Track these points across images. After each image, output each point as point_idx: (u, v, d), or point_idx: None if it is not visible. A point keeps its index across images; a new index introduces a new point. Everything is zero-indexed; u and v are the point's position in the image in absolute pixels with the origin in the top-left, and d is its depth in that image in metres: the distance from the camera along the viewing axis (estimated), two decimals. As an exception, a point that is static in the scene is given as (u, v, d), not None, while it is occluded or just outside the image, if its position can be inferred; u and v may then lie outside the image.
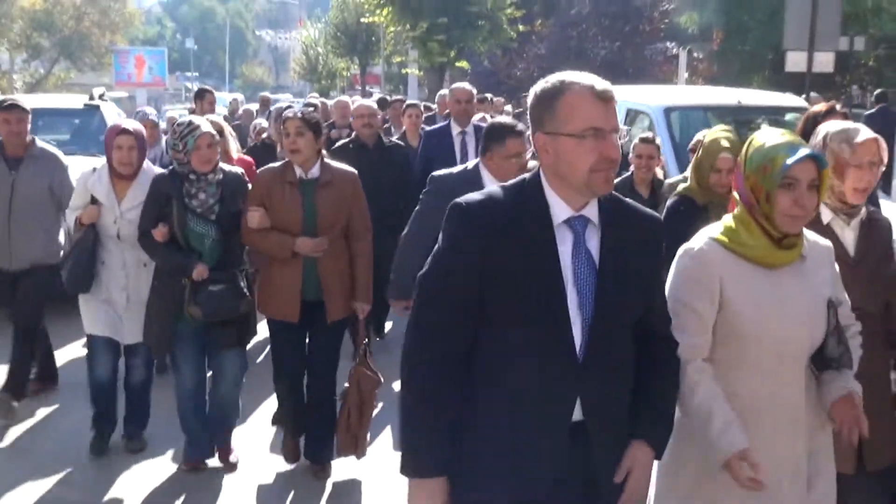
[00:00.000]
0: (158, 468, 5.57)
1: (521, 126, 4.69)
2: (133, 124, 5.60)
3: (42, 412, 6.49)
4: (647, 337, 2.75)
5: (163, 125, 11.21)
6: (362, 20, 34.64)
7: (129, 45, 56.79)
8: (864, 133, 3.55)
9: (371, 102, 8.56)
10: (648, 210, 2.87)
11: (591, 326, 2.53)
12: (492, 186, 2.82)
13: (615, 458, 2.64)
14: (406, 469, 2.64)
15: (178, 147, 5.04)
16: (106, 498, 5.21)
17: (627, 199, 2.81)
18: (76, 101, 11.09)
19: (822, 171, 2.89)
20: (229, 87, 63.11)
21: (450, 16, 27.92)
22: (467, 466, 2.64)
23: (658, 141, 6.70)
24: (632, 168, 6.51)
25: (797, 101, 10.27)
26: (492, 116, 9.22)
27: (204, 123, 5.20)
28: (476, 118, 9.09)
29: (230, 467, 5.45)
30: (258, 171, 5.51)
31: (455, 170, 4.85)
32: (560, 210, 2.54)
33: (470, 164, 4.89)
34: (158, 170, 5.69)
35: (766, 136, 3.01)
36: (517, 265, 2.51)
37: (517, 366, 2.53)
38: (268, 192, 5.07)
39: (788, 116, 9.64)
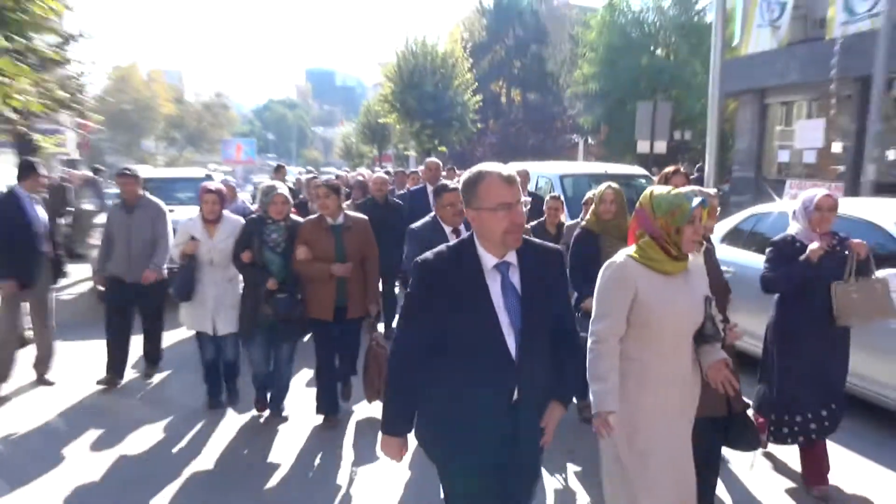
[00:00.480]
0: (244, 420, 5.28)
1: (452, 184, 4.48)
2: (216, 185, 5.39)
3: (158, 377, 6.24)
4: (559, 331, 2.54)
5: (250, 188, 11.23)
6: (379, 121, 33.43)
7: (231, 137, 55.54)
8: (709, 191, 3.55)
9: (384, 175, 8.23)
10: (551, 245, 2.66)
11: (520, 336, 2.37)
12: (440, 246, 2.53)
13: (534, 424, 2.50)
14: (383, 428, 2.53)
15: (263, 202, 4.94)
16: (212, 434, 4.96)
17: (535, 240, 2.62)
18: (200, 172, 11.29)
19: (705, 210, 2.81)
20: (296, 163, 61.76)
21: (434, 119, 26.88)
22: (439, 436, 2.49)
23: (561, 198, 6.33)
24: (544, 216, 6.15)
25: (641, 170, 10.42)
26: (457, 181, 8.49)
27: (281, 188, 5.01)
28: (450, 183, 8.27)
29: (283, 420, 5.20)
30: (304, 220, 5.16)
31: (422, 221, 4.62)
32: (488, 260, 2.39)
33: (428, 217, 4.69)
34: (237, 217, 5.39)
35: (662, 190, 2.87)
36: (461, 301, 2.36)
37: (470, 368, 2.37)
38: (310, 235, 4.85)
39: (638, 181, 9.90)
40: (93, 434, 4.95)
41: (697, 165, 16.04)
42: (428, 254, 2.45)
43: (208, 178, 10.30)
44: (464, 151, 31.25)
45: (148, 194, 6.07)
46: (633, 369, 2.78)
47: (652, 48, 26.06)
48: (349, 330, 5.03)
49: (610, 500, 3.00)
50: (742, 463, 4.34)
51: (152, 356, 6.22)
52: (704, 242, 3.37)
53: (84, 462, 4.50)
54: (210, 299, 5.10)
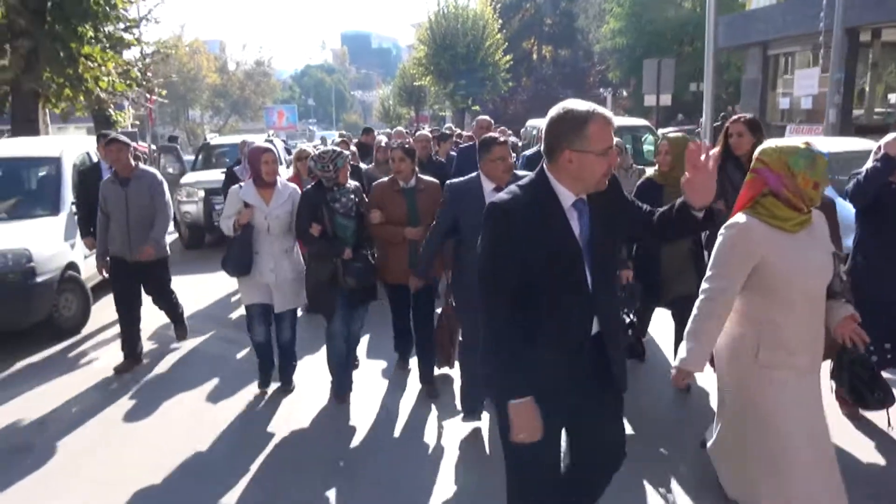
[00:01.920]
0: (307, 398, 4.80)
1: (502, 138, 4.15)
2: (268, 145, 4.87)
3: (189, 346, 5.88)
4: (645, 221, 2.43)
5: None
6: (415, 83, 34.22)
7: (273, 104, 55.54)
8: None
9: (426, 133, 7.83)
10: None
11: (595, 270, 2.31)
12: (511, 187, 2.39)
13: (619, 352, 2.43)
14: (502, 392, 2.29)
15: (328, 168, 4.47)
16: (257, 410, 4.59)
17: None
18: (261, 137, 12.30)
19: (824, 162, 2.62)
20: (336, 128, 62.09)
21: (467, 79, 27.97)
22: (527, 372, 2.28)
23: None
24: None
25: (643, 122, 11.61)
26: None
27: (345, 152, 4.69)
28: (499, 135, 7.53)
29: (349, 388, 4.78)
30: (374, 184, 4.88)
31: (462, 178, 4.18)
32: (567, 197, 2.29)
33: (474, 174, 4.14)
34: (290, 183, 4.94)
35: (785, 146, 2.64)
36: (544, 237, 2.26)
37: (552, 305, 2.29)
38: (381, 199, 4.64)
39: (640, 131, 11.00)
40: (154, 415, 4.64)
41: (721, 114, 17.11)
42: (502, 195, 2.33)
43: (269, 142, 11.93)
44: (496, 109, 32.11)
45: (142, 164, 5.55)
46: (763, 332, 2.62)
47: (679, 1, 26.69)
48: (425, 293, 4.74)
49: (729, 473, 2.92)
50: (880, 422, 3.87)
51: (178, 319, 5.95)
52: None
53: (141, 450, 4.12)
54: (268, 272, 4.60)
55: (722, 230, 2.67)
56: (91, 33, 11.92)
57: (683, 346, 2.65)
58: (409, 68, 36.44)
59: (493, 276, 2.28)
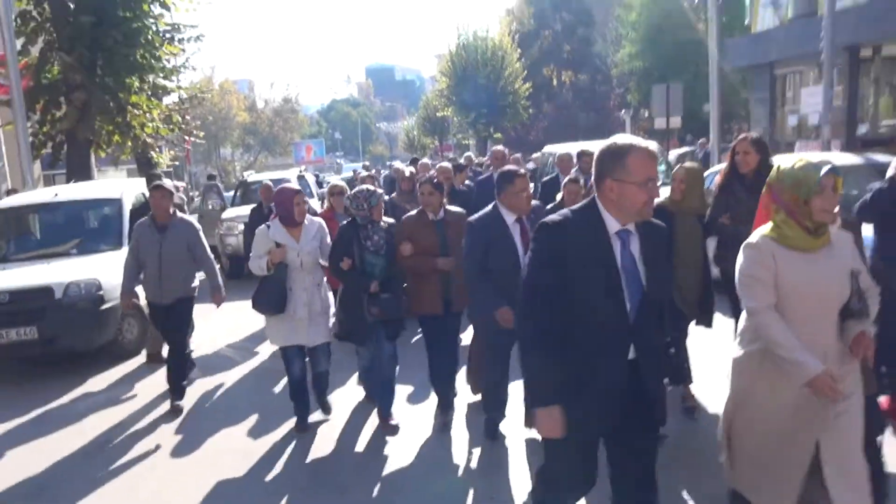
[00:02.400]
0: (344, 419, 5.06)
1: (522, 170, 4.25)
2: (294, 186, 4.90)
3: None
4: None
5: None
6: (438, 114, 35.26)
7: (301, 139, 56.49)
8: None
9: (447, 165, 7.85)
10: (659, 222, 2.63)
11: (638, 299, 2.41)
12: (564, 210, 2.53)
13: (655, 379, 2.51)
14: (536, 401, 2.46)
15: (363, 207, 4.65)
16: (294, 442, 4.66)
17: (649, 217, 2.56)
18: (294, 173, 13.19)
19: (837, 179, 2.63)
20: (362, 159, 61.26)
21: (488, 108, 28.73)
22: (565, 393, 2.42)
23: (581, 180, 5.86)
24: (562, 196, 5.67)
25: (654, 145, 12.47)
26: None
27: (379, 191, 4.87)
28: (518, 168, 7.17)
29: (393, 430, 4.84)
30: (403, 218, 4.91)
31: (482, 213, 4.24)
32: (612, 225, 2.40)
33: (488, 207, 4.26)
34: (316, 218, 5.05)
35: (788, 163, 2.72)
36: (587, 260, 2.38)
37: (593, 325, 2.39)
38: (412, 231, 4.69)
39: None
40: (177, 442, 4.90)
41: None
42: (554, 216, 2.46)
43: (301, 177, 12.87)
44: (518, 136, 32.85)
45: (179, 212, 5.65)
46: (775, 352, 2.65)
47: (693, 23, 27.33)
48: (452, 325, 4.84)
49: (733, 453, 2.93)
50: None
51: (179, 390, 5.69)
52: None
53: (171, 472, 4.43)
54: (302, 307, 4.69)
55: (741, 252, 2.76)
56: (137, 84, 13.05)
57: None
58: (432, 99, 37.55)
59: (537, 290, 2.41)
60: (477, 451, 4.46)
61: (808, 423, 2.67)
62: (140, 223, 5.58)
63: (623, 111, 31.96)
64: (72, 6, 12.21)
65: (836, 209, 2.70)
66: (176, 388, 5.62)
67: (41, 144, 12.88)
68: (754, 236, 2.74)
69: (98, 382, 6.50)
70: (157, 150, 14.69)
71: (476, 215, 4.32)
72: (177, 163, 22.63)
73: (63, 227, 7.88)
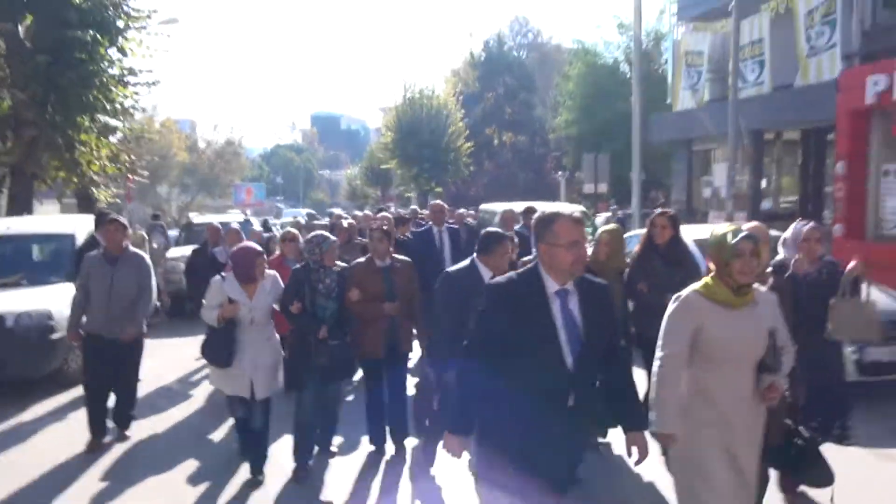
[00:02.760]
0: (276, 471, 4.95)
1: (508, 233, 4.52)
2: (254, 246, 4.91)
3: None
4: (611, 357, 2.79)
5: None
6: (381, 166, 35.87)
7: (241, 182, 55.56)
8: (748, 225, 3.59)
9: (389, 215, 8.73)
10: (599, 280, 2.90)
11: (577, 351, 2.62)
12: (509, 273, 2.83)
13: (587, 430, 2.98)
14: (449, 427, 2.83)
15: (315, 252, 4.78)
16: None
17: (588, 275, 2.84)
18: (240, 217, 13.95)
19: (758, 245, 2.92)
20: (302, 205, 62.48)
21: (431, 163, 29.78)
22: (504, 437, 2.67)
23: (514, 238, 6.08)
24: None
25: (579, 207, 13.51)
26: (451, 221, 8.83)
27: (331, 237, 4.96)
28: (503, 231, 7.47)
29: (331, 454, 5.18)
30: (352, 265, 5.13)
31: (458, 268, 4.38)
32: (551, 285, 2.65)
33: (465, 262, 4.39)
34: (272, 272, 4.95)
35: (719, 230, 3.03)
36: (528, 319, 2.62)
37: (534, 377, 2.60)
38: (360, 278, 4.87)
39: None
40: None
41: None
42: (500, 279, 2.80)
43: (247, 221, 13.35)
44: (459, 191, 33.91)
45: (131, 246, 5.70)
46: (698, 393, 2.96)
47: (627, 96, 29.38)
48: (399, 367, 5.08)
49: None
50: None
51: (125, 419, 5.76)
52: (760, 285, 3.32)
53: None
54: (248, 362, 4.69)
55: (670, 304, 3.05)
56: (88, 122, 13.36)
57: (651, 414, 2.93)
58: (377, 151, 38.16)
59: (481, 341, 2.70)
60: (410, 488, 4.70)
61: (733, 446, 2.97)
62: (89, 256, 5.64)
63: (559, 173, 33.62)
64: (28, 45, 12.54)
65: (769, 270, 3.09)
66: (123, 418, 5.71)
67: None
68: (686, 291, 3.04)
69: (40, 408, 6.74)
70: (105, 186, 14.89)
71: (453, 269, 4.49)
72: (118, 200, 22.56)
73: (14, 259, 8.14)
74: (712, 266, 3.02)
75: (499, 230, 4.50)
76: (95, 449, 5.46)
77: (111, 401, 5.75)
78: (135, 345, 5.64)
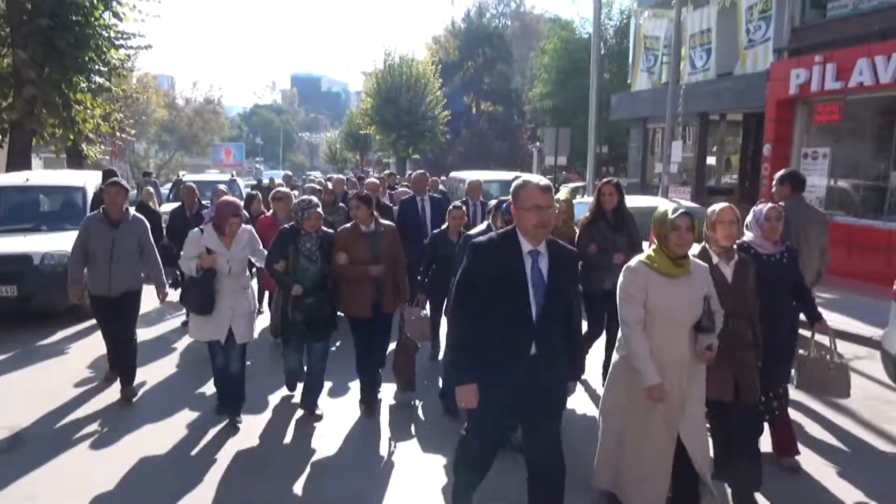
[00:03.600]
0: (274, 407, 5.46)
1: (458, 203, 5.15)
2: (233, 200, 5.17)
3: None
4: (566, 320, 3.13)
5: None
6: (360, 132, 36.76)
7: (220, 142, 57.21)
8: (721, 205, 3.74)
9: (374, 180, 8.90)
10: (571, 248, 3.25)
11: (541, 305, 2.98)
12: (491, 234, 3.19)
13: (552, 374, 3.05)
14: (459, 379, 3.07)
15: (300, 216, 4.99)
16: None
17: (561, 242, 3.17)
18: (226, 176, 14.84)
19: (694, 221, 3.26)
20: (281, 167, 62.44)
21: (408, 131, 30.79)
22: (482, 378, 3.03)
23: (464, 207, 6.45)
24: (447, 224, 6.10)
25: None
26: (429, 189, 8.73)
27: (315, 200, 5.10)
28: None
29: (317, 418, 5.26)
30: (339, 229, 5.36)
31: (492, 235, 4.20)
32: (525, 246, 2.99)
33: (482, 226, 4.85)
34: (248, 226, 5.24)
35: (663, 206, 3.36)
36: (503, 273, 2.97)
37: (503, 324, 2.98)
38: (346, 242, 5.07)
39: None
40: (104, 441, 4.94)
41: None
42: (482, 238, 3.11)
43: (233, 181, 14.53)
44: (436, 158, 35.22)
45: (132, 209, 5.90)
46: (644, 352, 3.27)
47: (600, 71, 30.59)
48: (383, 324, 5.32)
49: (601, 448, 3.64)
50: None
51: (129, 377, 5.86)
52: (736, 253, 3.72)
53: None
54: (227, 309, 4.96)
55: (622, 272, 3.40)
56: (83, 82, 14.39)
57: (643, 367, 3.26)
58: (356, 116, 39.04)
59: (463, 295, 3.04)
60: (401, 440, 4.93)
61: (665, 419, 3.32)
62: (91, 217, 5.79)
63: (533, 144, 35.01)
64: (29, 6, 13.48)
65: (735, 245, 3.47)
66: (126, 374, 5.82)
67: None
68: (633, 261, 3.41)
69: (62, 334, 7.99)
70: (98, 143, 15.94)
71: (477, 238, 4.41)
72: (106, 157, 23.49)
73: (33, 208, 9.34)
74: (655, 240, 3.35)
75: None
76: (114, 379, 5.96)
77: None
78: (132, 303, 5.78)
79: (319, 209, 5.08)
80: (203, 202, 8.90)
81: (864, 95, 11.33)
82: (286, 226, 5.23)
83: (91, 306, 6.01)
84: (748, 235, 4.23)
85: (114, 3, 14.33)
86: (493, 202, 5.12)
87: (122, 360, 5.86)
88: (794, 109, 12.78)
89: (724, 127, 16.30)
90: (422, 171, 9.35)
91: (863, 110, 11.82)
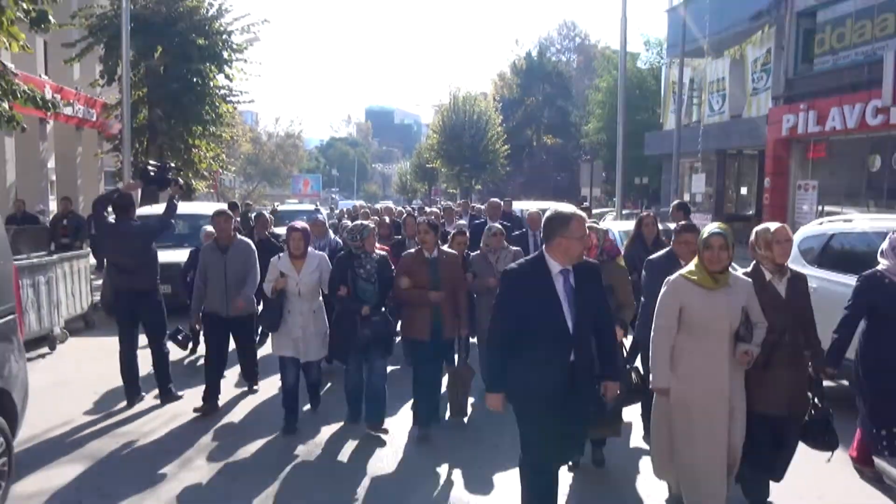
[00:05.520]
0: (333, 431, 5.47)
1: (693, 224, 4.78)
2: (301, 224, 5.51)
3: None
4: (600, 323, 3.45)
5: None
6: (427, 165, 39.83)
7: (299, 173, 59.94)
8: (774, 225, 3.86)
9: (437, 209, 10.12)
10: (593, 262, 3.69)
11: (575, 318, 3.29)
12: (521, 259, 3.59)
13: (588, 378, 3.41)
14: (489, 387, 3.51)
15: (356, 238, 5.17)
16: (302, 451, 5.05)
17: (585, 258, 3.53)
18: (311, 206, 17.90)
19: (727, 240, 3.49)
20: (356, 197, 65.98)
21: (471, 164, 33.74)
22: (518, 388, 3.37)
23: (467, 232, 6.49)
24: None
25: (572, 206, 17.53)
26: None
27: (371, 225, 5.36)
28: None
29: (384, 432, 5.32)
30: (403, 254, 5.51)
31: (659, 254, 4.73)
32: (554, 267, 3.31)
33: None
34: (320, 252, 5.67)
35: (705, 229, 3.63)
36: (536, 295, 3.31)
37: (541, 340, 3.31)
38: (409, 267, 5.22)
39: None
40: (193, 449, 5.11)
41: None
42: (513, 265, 3.50)
43: (317, 210, 17.69)
44: (497, 189, 37.47)
45: (239, 234, 6.22)
46: (683, 358, 3.56)
47: (652, 107, 32.79)
48: (442, 350, 5.44)
49: (654, 449, 3.89)
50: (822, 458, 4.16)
51: (251, 372, 6.57)
52: (788, 271, 3.83)
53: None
54: (298, 328, 5.32)
55: (663, 284, 3.66)
56: (200, 130, 18.07)
57: (657, 368, 3.58)
58: (424, 150, 42.29)
59: (501, 315, 3.42)
60: (454, 460, 4.92)
61: (710, 423, 3.51)
62: (205, 247, 6.22)
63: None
64: (161, 71, 17.26)
65: (786, 262, 3.65)
66: (250, 374, 6.58)
67: (119, 173, 17.76)
68: (674, 275, 3.65)
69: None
70: (204, 179, 19.66)
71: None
72: (211, 190, 27.58)
73: (180, 231, 12.49)
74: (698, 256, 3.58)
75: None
76: (207, 413, 5.92)
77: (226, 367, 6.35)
78: (248, 318, 6.24)
79: (375, 230, 5.45)
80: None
81: (843, 138, 13.54)
82: (342, 252, 5.55)
83: (205, 327, 6.19)
84: (883, 264, 4.15)
85: (225, 68, 18.01)
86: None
87: (247, 362, 6.60)
88: (789, 147, 15.03)
89: (741, 161, 18.54)
90: (495, 198, 10.06)
91: (845, 148, 14.01)
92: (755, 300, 3.62)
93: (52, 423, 5.66)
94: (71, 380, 7.00)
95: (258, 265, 6.08)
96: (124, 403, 6.18)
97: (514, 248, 6.16)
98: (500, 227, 6.23)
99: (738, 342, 3.58)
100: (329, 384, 6.68)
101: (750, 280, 3.69)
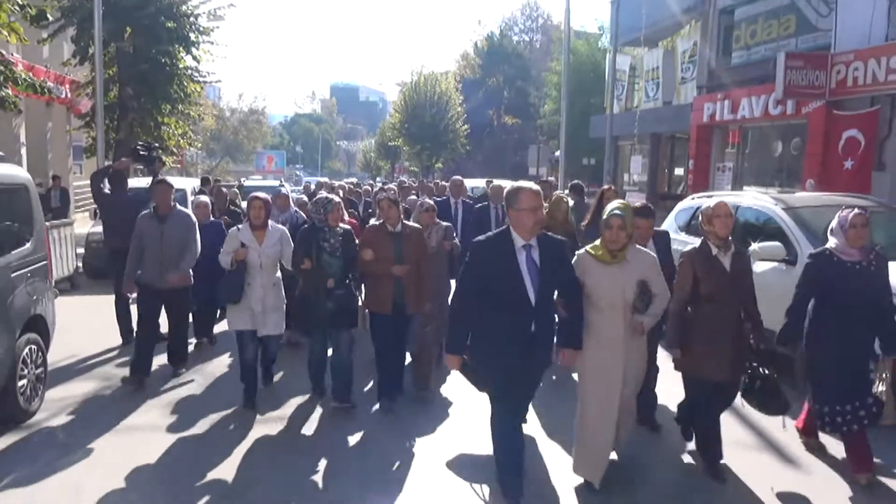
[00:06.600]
0: (296, 406, 5.53)
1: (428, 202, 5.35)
2: (263, 195, 5.47)
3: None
4: (568, 293, 3.73)
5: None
6: (389, 143, 41.15)
7: (263, 149, 59.72)
8: (715, 200, 4.08)
9: (394, 186, 10.56)
10: (558, 237, 3.82)
11: (537, 290, 3.51)
12: (489, 233, 3.75)
13: (548, 346, 3.69)
14: (447, 348, 3.80)
15: (321, 212, 5.17)
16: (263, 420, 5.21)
17: (549, 233, 3.71)
18: (275, 182, 19.25)
19: (624, 220, 3.76)
20: (320, 174, 65.48)
21: (431, 142, 35.14)
22: (483, 353, 3.65)
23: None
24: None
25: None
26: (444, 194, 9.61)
27: (336, 199, 5.26)
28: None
29: (351, 405, 5.38)
30: (366, 227, 5.74)
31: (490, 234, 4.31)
32: (518, 241, 3.50)
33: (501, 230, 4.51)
34: (280, 226, 5.62)
35: (608, 207, 3.88)
36: (501, 267, 3.50)
37: (505, 310, 3.54)
38: (372, 240, 5.27)
39: None
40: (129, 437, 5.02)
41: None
42: (481, 237, 3.70)
43: (281, 186, 19.04)
44: (457, 167, 38.45)
45: (178, 205, 6.16)
46: (590, 327, 3.88)
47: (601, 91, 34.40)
48: (403, 324, 5.41)
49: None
50: (775, 423, 4.71)
51: (180, 356, 6.44)
52: (732, 246, 4.09)
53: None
54: (257, 301, 5.31)
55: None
56: (169, 109, 19.17)
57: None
58: (387, 129, 43.56)
59: (464, 285, 3.70)
60: (418, 432, 5.03)
61: (606, 385, 3.87)
62: (142, 215, 6.09)
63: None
64: (131, 51, 18.27)
65: (729, 237, 3.92)
66: (176, 358, 6.47)
67: (91, 148, 18.81)
68: (581, 250, 4.02)
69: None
70: (179, 155, 20.79)
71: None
72: (176, 166, 28.54)
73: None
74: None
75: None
76: (135, 384, 5.91)
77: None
78: (183, 292, 6.22)
79: (340, 204, 5.38)
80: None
81: (754, 126, 15.35)
82: (306, 225, 5.57)
83: (137, 296, 6.27)
84: (831, 242, 4.22)
85: (192, 49, 19.08)
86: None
87: (175, 340, 6.50)
88: (710, 133, 16.82)
89: (674, 144, 20.36)
90: (458, 176, 10.15)
91: (756, 135, 15.85)
92: (657, 272, 3.96)
93: (60, 355, 6.77)
94: (67, 328, 7.39)
95: (199, 239, 6.11)
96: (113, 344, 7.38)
97: (445, 223, 6.43)
98: (431, 203, 6.48)
99: (634, 313, 3.90)
100: (293, 359, 6.69)
101: (653, 254, 4.08)
